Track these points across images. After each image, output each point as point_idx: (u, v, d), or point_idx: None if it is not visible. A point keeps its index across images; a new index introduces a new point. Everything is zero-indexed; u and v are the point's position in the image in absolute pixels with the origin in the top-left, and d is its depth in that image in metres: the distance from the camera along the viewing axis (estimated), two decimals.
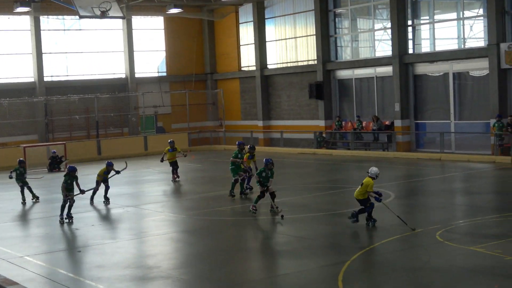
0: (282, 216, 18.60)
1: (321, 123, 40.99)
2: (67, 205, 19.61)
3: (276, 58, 44.96)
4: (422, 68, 36.42)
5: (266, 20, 45.08)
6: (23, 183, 23.96)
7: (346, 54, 41.06)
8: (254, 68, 45.78)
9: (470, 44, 34.37)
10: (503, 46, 31.75)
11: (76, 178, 19.96)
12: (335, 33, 41.21)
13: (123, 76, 45.84)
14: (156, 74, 47.83)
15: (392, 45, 36.80)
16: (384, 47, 38.10)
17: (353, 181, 26.10)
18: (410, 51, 36.70)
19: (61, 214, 19.66)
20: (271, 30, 45.04)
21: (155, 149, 40.62)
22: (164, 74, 48.17)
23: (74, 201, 19.76)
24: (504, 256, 13.87)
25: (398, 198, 22.01)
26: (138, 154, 40.83)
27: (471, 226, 17.39)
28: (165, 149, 28.46)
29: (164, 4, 43.11)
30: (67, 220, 19.67)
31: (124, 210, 22.07)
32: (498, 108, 31.96)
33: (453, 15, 35.50)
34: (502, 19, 32.08)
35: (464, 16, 34.70)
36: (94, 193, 22.69)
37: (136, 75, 46.08)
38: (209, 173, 31.09)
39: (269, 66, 45.22)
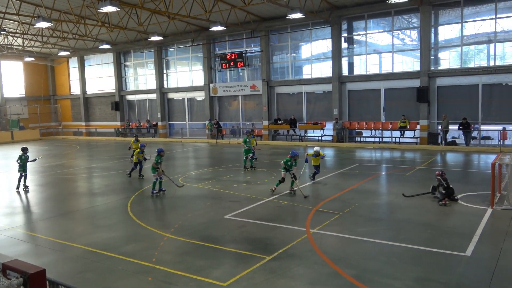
0: (305, 196, 12.47)
1: (118, 123, 39.13)
2: (158, 181, 13.77)
3: (92, 87, 41.75)
4: (172, 95, 36.35)
5: (85, 66, 41.83)
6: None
7: (131, 86, 39.42)
8: (79, 93, 42.27)
9: (196, 83, 34.91)
10: (211, 85, 32.83)
11: (163, 159, 14.30)
12: (125, 75, 39.41)
13: None
14: (19, 95, 42.09)
15: (156, 82, 36.22)
16: (152, 83, 37.22)
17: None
18: (166, 85, 36.43)
19: (153, 189, 13.70)
20: (89, 71, 41.75)
21: (19, 138, 37.67)
22: (24, 95, 42.53)
23: (162, 177, 13.91)
24: (211, 188, 14.35)
25: (163, 162, 21.87)
26: (7, 142, 36.57)
27: (197, 174, 17.56)
28: (131, 141, 21.25)
29: (22, 55, 38.51)
30: (161, 192, 13.78)
31: None
32: (209, 115, 33.06)
33: (187, 68, 35.76)
34: (210, 71, 33.18)
35: (192, 69, 35.28)
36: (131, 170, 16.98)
37: (5, 96, 40.41)
38: (53, 152, 28.28)
39: (88, 92, 41.93)
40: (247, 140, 17.96)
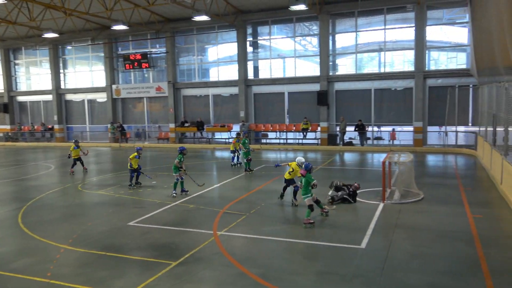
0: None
1: (8, 127, 35.66)
2: (179, 182, 13.02)
3: None
4: (70, 97, 34.08)
5: None
6: None
7: (23, 87, 36.09)
8: None
9: (97, 84, 32.81)
10: (114, 86, 31.46)
11: (185, 157, 13.31)
12: (16, 74, 36.07)
13: None
14: None
15: (52, 82, 33.74)
16: (47, 83, 34.43)
17: (27, 160, 23.40)
18: (63, 86, 34.00)
19: (174, 190, 13.01)
20: None
21: None
22: None
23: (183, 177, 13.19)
24: (114, 194, 13.55)
25: (56, 168, 20.38)
26: None
27: (98, 180, 16.61)
28: (71, 147, 18.51)
29: None
30: (183, 193, 13.10)
31: None
32: (112, 118, 31.61)
33: (87, 68, 33.71)
34: (112, 72, 31.71)
35: (93, 69, 33.33)
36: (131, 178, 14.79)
37: None
38: None
39: None
40: (246, 141, 17.03)
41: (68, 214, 11.61)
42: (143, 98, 31.16)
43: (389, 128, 24.62)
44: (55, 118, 33.89)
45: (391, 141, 24.29)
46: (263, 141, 27.75)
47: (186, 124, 29.04)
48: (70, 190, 14.95)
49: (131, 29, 28.26)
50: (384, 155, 15.45)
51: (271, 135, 27.53)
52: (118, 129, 30.55)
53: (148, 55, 29.82)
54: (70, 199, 13.44)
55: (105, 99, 32.21)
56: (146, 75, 31.29)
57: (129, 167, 14.87)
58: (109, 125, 31.31)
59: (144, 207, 11.87)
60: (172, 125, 29.74)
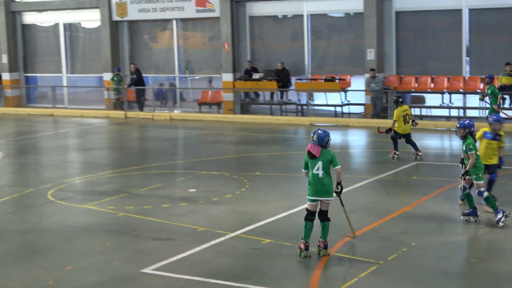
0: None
1: None
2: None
3: None
4: (30, 18, 35.34)
5: None
6: None
7: None
8: None
9: None
10: None
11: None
12: None
13: None
14: None
15: None
16: None
17: None
18: None
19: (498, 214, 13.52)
20: None
21: None
22: None
23: None
24: (117, 212, 14.03)
25: (8, 157, 21.40)
26: None
27: (84, 183, 17.09)
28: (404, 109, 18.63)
29: None
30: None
31: None
32: (111, 61, 31.67)
33: None
34: None
35: None
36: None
37: None
38: None
39: None
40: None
41: (26, 249, 11.77)
42: (170, 22, 32.05)
43: None
44: (4, 59, 34.83)
45: None
46: (416, 112, 26.73)
47: (256, 75, 28.97)
48: (33, 199, 15.43)
49: None
50: None
51: (429, 99, 27.56)
52: (124, 83, 31.09)
53: None
54: (32, 219, 13.67)
55: (98, 24, 32.78)
56: None
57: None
58: (111, 76, 31.48)
59: (174, 239, 12.04)
60: (228, 77, 30.01)
